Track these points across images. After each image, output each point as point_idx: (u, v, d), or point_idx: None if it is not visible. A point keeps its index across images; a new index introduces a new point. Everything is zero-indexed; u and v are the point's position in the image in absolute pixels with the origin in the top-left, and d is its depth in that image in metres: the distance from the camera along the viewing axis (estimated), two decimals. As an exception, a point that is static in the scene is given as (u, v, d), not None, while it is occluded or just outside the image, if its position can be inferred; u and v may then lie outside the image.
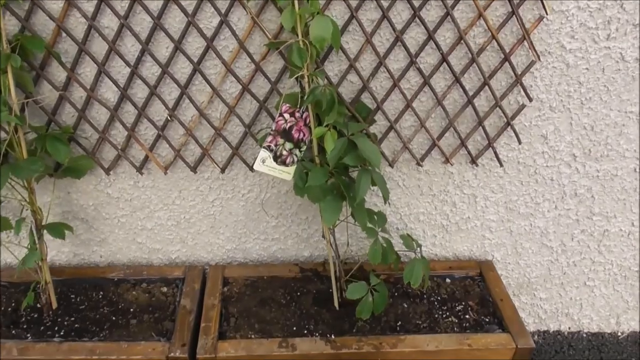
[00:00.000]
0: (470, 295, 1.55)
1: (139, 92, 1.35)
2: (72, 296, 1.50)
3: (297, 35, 1.18)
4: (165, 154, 1.45)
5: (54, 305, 1.46)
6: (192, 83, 1.35)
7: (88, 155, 1.41)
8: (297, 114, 1.27)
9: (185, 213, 1.55)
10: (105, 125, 1.37)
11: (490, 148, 1.45)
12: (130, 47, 1.29)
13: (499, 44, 1.30)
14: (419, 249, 1.40)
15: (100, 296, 1.51)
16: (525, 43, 1.32)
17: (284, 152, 1.29)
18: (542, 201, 1.58)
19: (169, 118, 1.37)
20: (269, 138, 1.27)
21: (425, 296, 1.54)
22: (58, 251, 1.59)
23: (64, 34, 1.25)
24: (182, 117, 1.39)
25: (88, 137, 1.40)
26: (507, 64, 1.34)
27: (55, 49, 1.28)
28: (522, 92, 1.39)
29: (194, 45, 1.30)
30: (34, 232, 1.35)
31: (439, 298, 1.53)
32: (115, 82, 1.31)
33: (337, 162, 1.21)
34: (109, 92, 1.35)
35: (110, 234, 1.57)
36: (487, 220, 1.62)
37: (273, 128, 1.26)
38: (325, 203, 1.25)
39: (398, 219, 1.60)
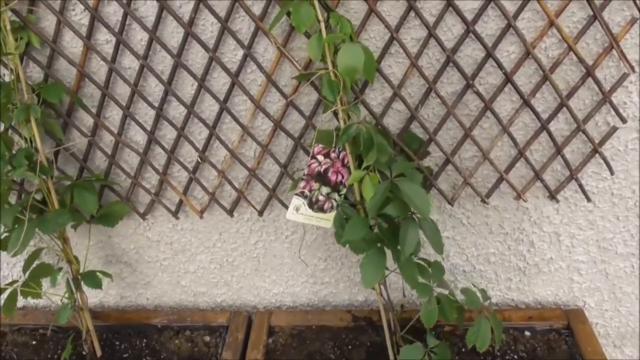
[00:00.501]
0: (556, 354, 1.29)
1: (168, 133, 1.26)
2: (116, 343, 1.45)
3: (328, 65, 1.02)
4: (201, 196, 1.35)
5: (98, 353, 1.42)
6: (221, 121, 1.23)
7: (122, 201, 1.34)
8: (333, 154, 1.11)
9: (227, 256, 1.45)
10: (137, 169, 1.30)
11: (574, 180, 1.20)
12: (154, 87, 1.20)
13: (578, 56, 1.05)
14: (488, 301, 1.18)
15: (144, 344, 1.44)
16: (614, 52, 1.05)
17: (321, 198, 1.13)
18: (645, 239, 1.29)
19: (199, 160, 1.26)
20: (302, 183, 1.12)
21: (498, 354, 1.31)
22: (106, 293, 1.55)
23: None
24: (215, 158, 1.29)
25: (120, 183, 1.33)
26: (590, 79, 1.08)
27: (80, 94, 1.22)
28: (613, 112, 1.12)
29: (220, 81, 1.18)
30: (71, 282, 1.31)
31: (515, 357, 1.30)
32: (141, 125, 1.23)
33: (377, 212, 1.03)
34: (137, 135, 1.27)
35: (154, 277, 1.51)
36: (575, 261, 1.35)
37: (306, 172, 1.11)
38: (365, 259, 1.08)
39: (464, 261, 1.39)
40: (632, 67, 1.05)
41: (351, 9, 1.08)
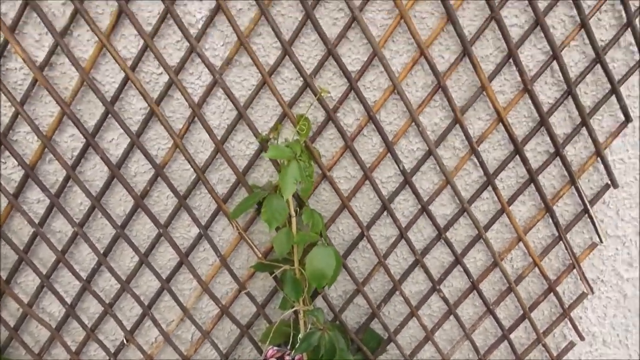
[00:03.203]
0: None
1: (92, 306, 1.07)
2: None
3: (294, 262, 0.94)
4: (121, 380, 1.14)
5: None
6: (160, 299, 1.08)
7: (17, 383, 1.09)
8: (288, 358, 0.98)
9: None
10: (44, 347, 1.08)
11: (532, 391, 1.15)
12: (85, 255, 1.04)
13: (542, 272, 1.05)
14: None
15: None
16: (575, 271, 1.07)
17: (272, 405, 0.98)
18: None
19: (124, 341, 1.08)
20: (251, 389, 0.97)
21: None
22: None
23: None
24: (144, 339, 1.10)
25: (19, 361, 1.10)
26: (551, 294, 1.08)
27: (-9, 255, 1.02)
28: (570, 325, 1.12)
29: (166, 256, 1.05)
30: None
31: None
32: (59, 296, 1.03)
33: None
34: (53, 305, 1.07)
35: None
36: None
37: (255, 378, 0.97)
38: None
39: None
40: (591, 288, 1.07)
41: (322, 200, 1.02)
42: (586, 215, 1.01)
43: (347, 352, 0.98)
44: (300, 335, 0.93)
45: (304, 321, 0.96)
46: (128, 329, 1.07)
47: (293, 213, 0.92)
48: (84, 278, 1.03)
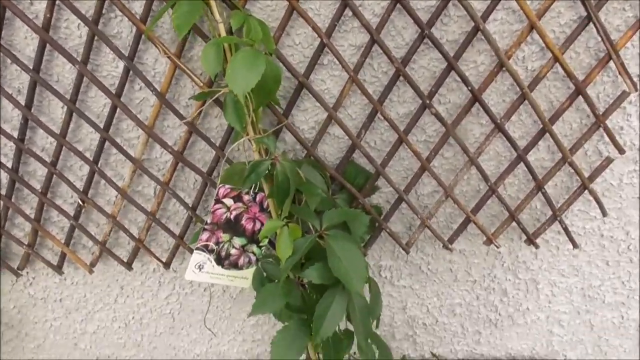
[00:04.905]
0: None
1: (39, 169, 0.96)
2: None
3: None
4: (92, 244, 1.06)
5: None
6: (107, 152, 0.94)
7: (-15, 254, 1.04)
8: (247, 197, 0.84)
9: (133, 313, 1.16)
10: (1, 215, 0.99)
11: (557, 221, 0.95)
12: (11, 110, 0.90)
13: (565, 68, 0.80)
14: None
15: None
16: (612, 64, 0.81)
17: (233, 251, 0.86)
18: (639, 286, 1.07)
19: (80, 203, 0.97)
20: (204, 235, 0.84)
21: None
22: (-13, 359, 1.25)
23: None
24: (104, 198, 0.99)
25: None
26: (580, 98, 0.84)
27: None
28: (607, 139, 0.88)
29: (100, 101, 0.89)
30: None
31: None
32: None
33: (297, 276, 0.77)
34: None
35: (45, 340, 1.20)
36: (556, 312, 1.12)
37: (209, 221, 0.84)
38: (281, 333, 0.82)
39: (424, 313, 1.14)
40: (635, 84, 0.81)
41: (267, 7, 0.80)
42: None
43: (315, 187, 0.81)
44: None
45: (259, 153, 0.79)
46: (81, 189, 0.96)
47: (218, 17, 0.72)
48: (16, 137, 0.90)
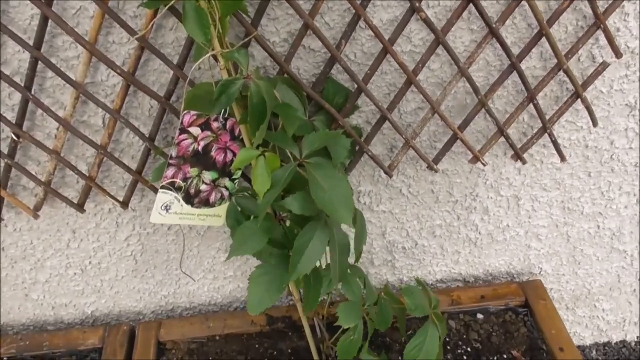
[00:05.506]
0: (514, 339, 1.08)
1: (-44, 98, 0.80)
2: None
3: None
4: (33, 186, 0.92)
5: None
6: (41, 76, 0.79)
7: None
8: (216, 124, 0.73)
9: (89, 257, 1.05)
10: None
11: (547, 134, 0.91)
12: None
13: (569, -38, 0.72)
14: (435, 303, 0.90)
15: (-17, 387, 1.05)
16: (616, -44, 0.73)
17: (203, 187, 0.77)
18: (617, 195, 1.06)
19: (14, 137, 0.82)
20: (169, 171, 0.74)
21: (449, 346, 1.07)
22: None
23: None
24: (44, 131, 0.85)
25: None
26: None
27: None
28: (601, 42, 0.82)
29: (25, 11, 0.73)
30: None
31: (468, 349, 1.06)
32: None
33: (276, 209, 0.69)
34: None
35: (-10, 292, 1.09)
36: (535, 226, 1.11)
37: (174, 154, 0.73)
38: (259, 270, 0.75)
39: (404, 237, 1.10)
40: (639, -22, 0.74)
41: None
42: None
43: (294, 110, 0.71)
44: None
45: (227, 71, 0.67)
46: (14, 122, 0.81)
47: None
48: None
